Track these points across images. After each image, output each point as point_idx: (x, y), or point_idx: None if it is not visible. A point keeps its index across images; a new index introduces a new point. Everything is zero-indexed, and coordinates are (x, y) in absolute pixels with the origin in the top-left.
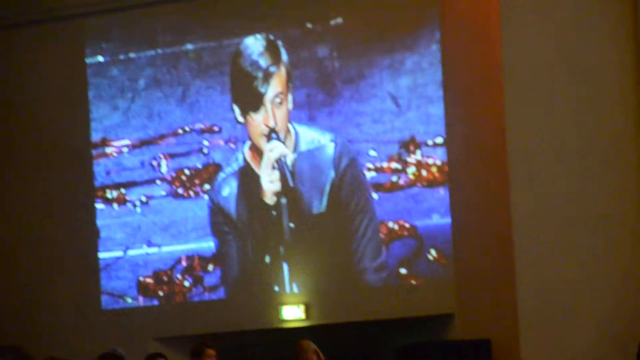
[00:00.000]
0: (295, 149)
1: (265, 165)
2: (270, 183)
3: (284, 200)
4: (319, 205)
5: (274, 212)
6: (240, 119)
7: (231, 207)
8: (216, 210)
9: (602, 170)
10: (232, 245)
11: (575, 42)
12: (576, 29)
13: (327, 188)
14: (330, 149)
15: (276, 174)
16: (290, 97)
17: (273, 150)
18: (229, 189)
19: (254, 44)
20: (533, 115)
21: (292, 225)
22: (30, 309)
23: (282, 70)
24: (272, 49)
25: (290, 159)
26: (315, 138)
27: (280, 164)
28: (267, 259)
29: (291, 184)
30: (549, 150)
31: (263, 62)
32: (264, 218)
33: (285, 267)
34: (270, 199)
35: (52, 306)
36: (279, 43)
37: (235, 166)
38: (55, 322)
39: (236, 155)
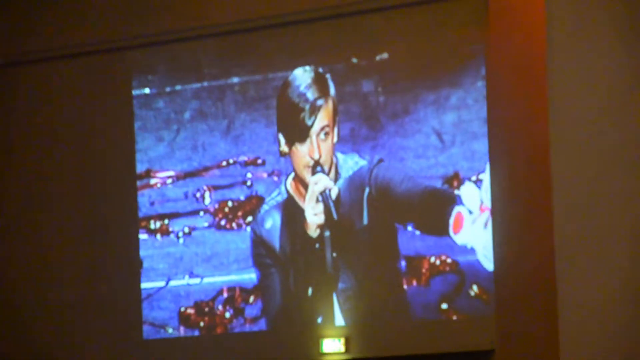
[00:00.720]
0: (337, 177)
1: (309, 198)
2: (314, 216)
3: (327, 233)
4: (360, 222)
5: (317, 245)
6: (285, 148)
7: (274, 239)
8: (258, 243)
9: None
10: (274, 278)
11: (623, 78)
12: (625, 64)
13: (365, 199)
14: (365, 168)
15: (320, 207)
16: (336, 130)
17: (318, 183)
18: (271, 221)
19: (302, 76)
20: (578, 152)
21: (334, 254)
22: (71, 338)
23: (330, 104)
24: (320, 82)
25: (334, 192)
26: (353, 161)
27: (324, 196)
28: (309, 292)
29: (335, 217)
30: (594, 188)
31: (310, 94)
32: (307, 250)
33: (327, 300)
34: (313, 232)
35: (93, 336)
36: (328, 76)
37: (278, 198)
38: (97, 351)
39: (279, 187)
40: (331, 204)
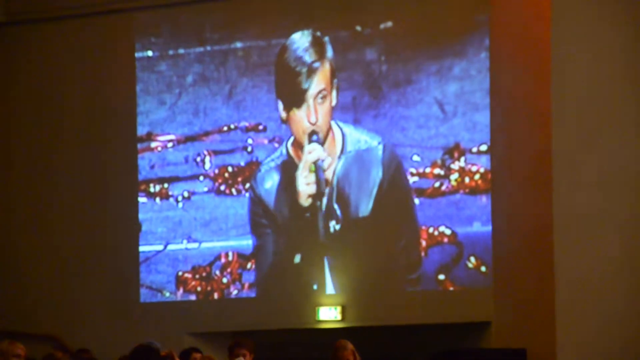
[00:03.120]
0: (343, 149)
1: (302, 167)
2: (306, 185)
3: (319, 203)
4: (365, 209)
5: (307, 214)
6: (283, 114)
7: (271, 200)
8: (256, 202)
9: None
10: (270, 242)
11: (626, 52)
12: (628, 40)
13: (374, 191)
14: (378, 151)
15: (312, 177)
16: (334, 93)
17: (312, 152)
18: (271, 182)
19: (300, 39)
20: (580, 125)
21: (337, 227)
22: (68, 299)
23: (327, 67)
24: (317, 45)
25: (327, 162)
26: (362, 139)
27: (317, 166)
28: (305, 259)
29: (323, 189)
30: (594, 161)
31: (308, 57)
32: (299, 219)
33: (323, 267)
34: (305, 201)
35: (90, 297)
36: (326, 39)
37: (278, 161)
38: (93, 313)
39: (280, 148)
40: (321, 175)
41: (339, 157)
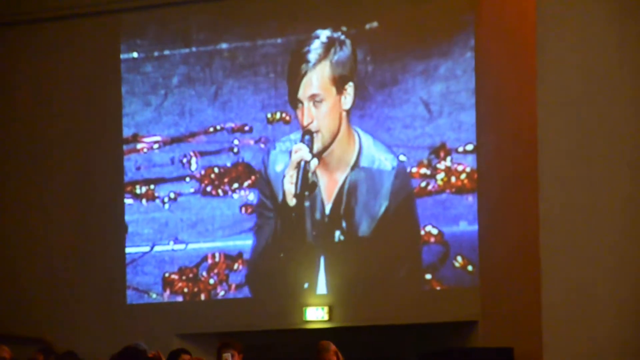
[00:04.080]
0: (357, 162)
1: (289, 166)
2: (290, 185)
3: (307, 204)
4: (366, 229)
5: (293, 214)
6: (292, 112)
7: (278, 185)
8: (265, 182)
9: (633, 179)
10: (270, 224)
11: (611, 53)
12: (613, 39)
13: (379, 216)
14: (390, 176)
15: (295, 177)
16: (345, 98)
17: (297, 152)
18: (282, 166)
19: (312, 38)
20: (565, 125)
21: (342, 237)
22: (56, 301)
23: (326, 71)
24: (325, 47)
25: (312, 165)
26: (377, 157)
27: (300, 167)
28: (291, 259)
29: (298, 190)
30: (580, 161)
31: (306, 59)
32: (286, 218)
33: (312, 268)
34: (290, 201)
35: (77, 299)
36: (345, 40)
37: (292, 145)
38: (80, 314)
39: (295, 132)
40: (300, 177)
41: (352, 169)
